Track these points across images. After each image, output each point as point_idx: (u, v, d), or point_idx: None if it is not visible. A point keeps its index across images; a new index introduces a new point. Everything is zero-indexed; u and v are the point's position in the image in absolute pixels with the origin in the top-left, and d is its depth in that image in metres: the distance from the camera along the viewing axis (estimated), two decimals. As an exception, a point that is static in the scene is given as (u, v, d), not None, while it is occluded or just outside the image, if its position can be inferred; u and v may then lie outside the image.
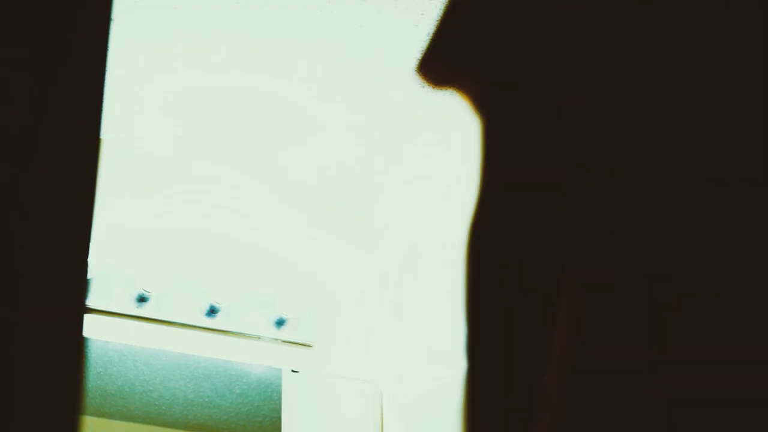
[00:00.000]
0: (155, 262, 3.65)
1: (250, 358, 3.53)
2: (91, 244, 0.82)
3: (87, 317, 0.80)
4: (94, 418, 4.10)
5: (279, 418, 4.50)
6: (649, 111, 0.82)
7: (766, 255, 0.70)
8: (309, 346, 3.54)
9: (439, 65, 1.13)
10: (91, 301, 3.41)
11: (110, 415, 4.18)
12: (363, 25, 2.84)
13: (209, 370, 4.02)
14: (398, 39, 2.89)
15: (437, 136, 3.24)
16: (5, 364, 0.75)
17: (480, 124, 0.97)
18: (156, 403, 4.12)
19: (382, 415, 3.42)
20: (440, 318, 3.01)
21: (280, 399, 4.37)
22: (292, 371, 3.51)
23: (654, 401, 0.70)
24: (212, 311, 3.64)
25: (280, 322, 3.52)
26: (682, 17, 0.83)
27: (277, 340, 3.53)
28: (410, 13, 2.79)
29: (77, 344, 0.77)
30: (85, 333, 0.80)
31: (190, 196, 3.61)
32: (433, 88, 1.14)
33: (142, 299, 3.62)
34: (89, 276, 0.83)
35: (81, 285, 0.80)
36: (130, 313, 3.63)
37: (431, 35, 1.16)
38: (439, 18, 1.11)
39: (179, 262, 3.67)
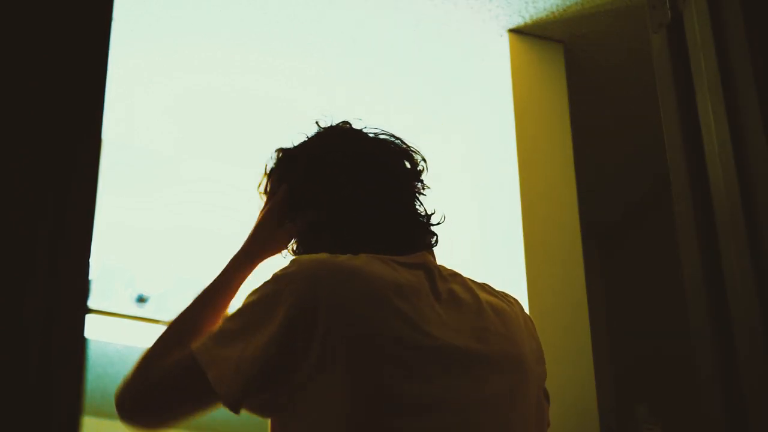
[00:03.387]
0: (155, 262, 3.65)
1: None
2: (92, 245, 0.82)
3: (88, 318, 0.80)
4: (94, 418, 4.09)
5: (279, 419, 4.47)
6: None
7: None
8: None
9: None
10: (91, 302, 3.41)
11: (110, 415, 4.17)
12: (364, 25, 2.84)
13: (209, 370, 4.02)
14: (399, 38, 2.88)
15: (437, 136, 3.24)
16: (7, 364, 0.75)
17: None
18: (156, 403, 4.12)
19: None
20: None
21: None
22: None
23: None
24: (212, 311, 3.64)
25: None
26: None
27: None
28: (411, 12, 2.78)
29: (78, 345, 0.77)
30: (86, 333, 0.80)
31: (191, 197, 3.61)
32: None
33: (142, 299, 3.62)
34: (90, 277, 0.83)
35: (83, 286, 0.80)
36: (130, 314, 3.63)
37: None
38: None
39: (180, 262, 3.67)
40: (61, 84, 0.84)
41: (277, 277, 1.35)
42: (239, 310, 1.37)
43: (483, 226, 2.88)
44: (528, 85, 2.84)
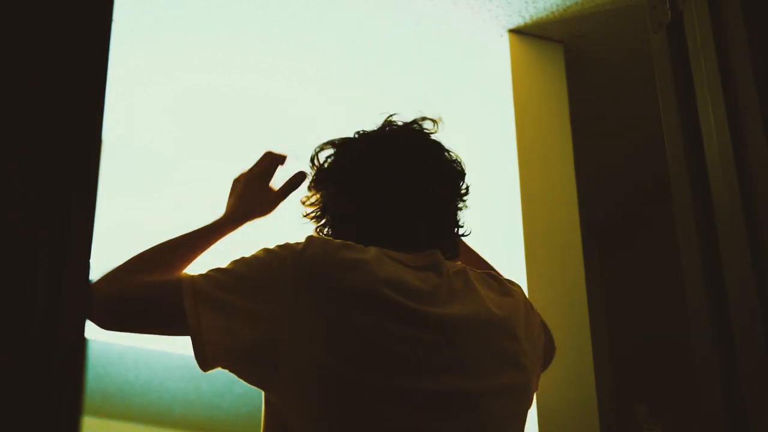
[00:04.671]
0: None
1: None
2: (92, 245, 0.82)
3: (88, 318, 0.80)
4: (94, 418, 4.10)
5: (279, 419, 4.45)
6: None
7: None
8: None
9: None
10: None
11: (110, 415, 4.18)
12: (364, 25, 2.84)
13: (209, 370, 4.02)
14: (399, 38, 2.88)
15: (437, 136, 3.23)
16: (8, 364, 0.75)
17: None
18: (156, 403, 4.12)
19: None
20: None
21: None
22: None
23: None
24: (212, 311, 3.64)
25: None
26: None
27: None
28: (411, 12, 2.79)
29: (78, 345, 0.77)
30: (86, 333, 0.80)
31: (191, 197, 3.61)
32: None
33: (142, 299, 3.62)
34: (90, 277, 0.83)
35: (83, 286, 0.80)
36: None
37: None
38: None
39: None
40: (61, 84, 0.84)
41: (286, 254, 1.37)
42: (240, 270, 1.38)
43: (483, 226, 2.88)
44: (528, 85, 2.84)
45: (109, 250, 3.69)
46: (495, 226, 2.80)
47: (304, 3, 2.78)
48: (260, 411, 1.41)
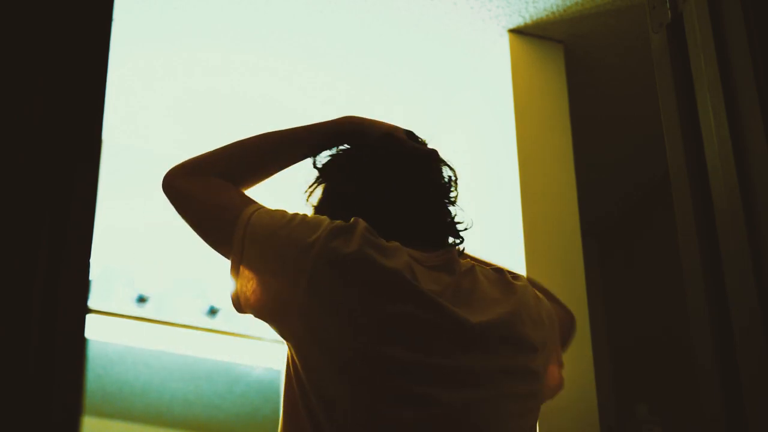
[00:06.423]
0: (156, 262, 3.65)
1: (251, 358, 3.53)
2: (92, 245, 0.82)
3: (88, 318, 0.80)
4: (94, 418, 4.10)
5: (279, 419, 4.47)
6: None
7: None
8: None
9: None
10: (91, 302, 3.41)
11: (110, 415, 4.18)
12: (364, 25, 2.84)
13: (209, 370, 4.02)
14: (399, 38, 2.88)
15: (437, 137, 3.24)
16: (7, 364, 0.75)
17: None
18: (156, 403, 4.12)
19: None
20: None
21: (279, 399, 4.35)
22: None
23: None
24: (212, 311, 3.64)
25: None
26: None
27: (278, 340, 3.53)
28: (411, 12, 2.79)
29: (78, 345, 0.77)
30: (86, 333, 0.80)
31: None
32: None
33: (142, 300, 3.62)
34: (90, 277, 0.83)
35: (83, 286, 0.80)
36: (130, 314, 3.63)
37: None
38: None
39: (180, 262, 3.67)
40: (62, 85, 0.84)
41: (331, 231, 1.39)
42: (295, 224, 1.42)
43: (483, 226, 2.88)
44: (528, 84, 2.84)
45: (109, 251, 3.70)
46: (495, 225, 2.80)
47: (305, 4, 2.78)
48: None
